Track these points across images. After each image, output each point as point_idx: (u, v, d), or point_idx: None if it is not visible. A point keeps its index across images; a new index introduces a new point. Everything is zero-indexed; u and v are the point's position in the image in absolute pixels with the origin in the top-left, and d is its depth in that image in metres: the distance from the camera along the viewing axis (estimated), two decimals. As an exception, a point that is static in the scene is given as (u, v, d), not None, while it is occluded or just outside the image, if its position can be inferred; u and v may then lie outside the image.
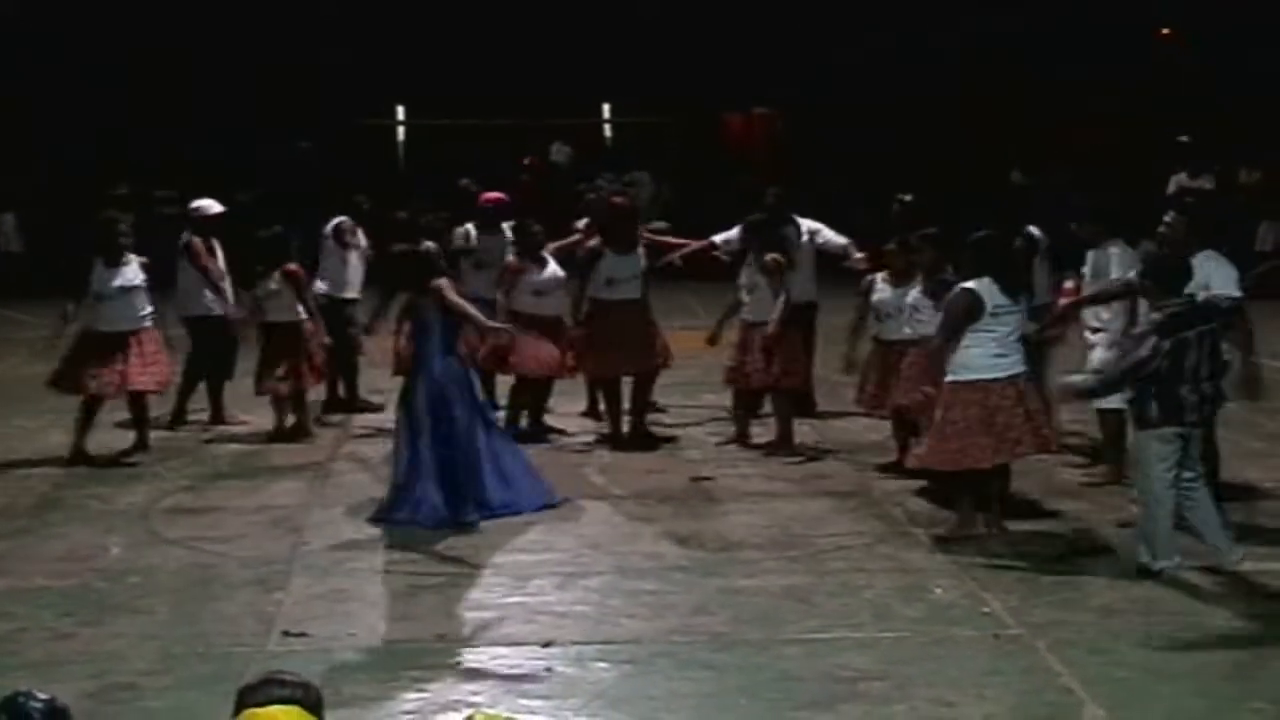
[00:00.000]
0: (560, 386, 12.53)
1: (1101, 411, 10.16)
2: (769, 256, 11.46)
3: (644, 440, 11.84)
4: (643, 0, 29.22)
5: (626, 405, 11.97)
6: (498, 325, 10.38)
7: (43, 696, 3.65)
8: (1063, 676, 6.82)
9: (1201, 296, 8.70)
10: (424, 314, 9.75)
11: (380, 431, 11.89)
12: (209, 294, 12.49)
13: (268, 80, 28.48)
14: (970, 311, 8.83)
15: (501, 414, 11.62)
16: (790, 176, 17.87)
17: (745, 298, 11.58)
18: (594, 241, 12.05)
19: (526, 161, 29.02)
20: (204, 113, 28.22)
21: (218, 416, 12.72)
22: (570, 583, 8.35)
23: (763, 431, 11.84)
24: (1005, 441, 8.84)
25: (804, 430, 11.86)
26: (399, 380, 10.38)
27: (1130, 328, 9.25)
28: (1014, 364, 8.93)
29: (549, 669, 7.01)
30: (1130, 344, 8.43)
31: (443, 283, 9.71)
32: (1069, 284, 10.57)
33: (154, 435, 11.93)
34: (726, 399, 12.28)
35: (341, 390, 13.25)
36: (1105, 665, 6.95)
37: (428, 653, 7.26)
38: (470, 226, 12.82)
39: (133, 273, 11.46)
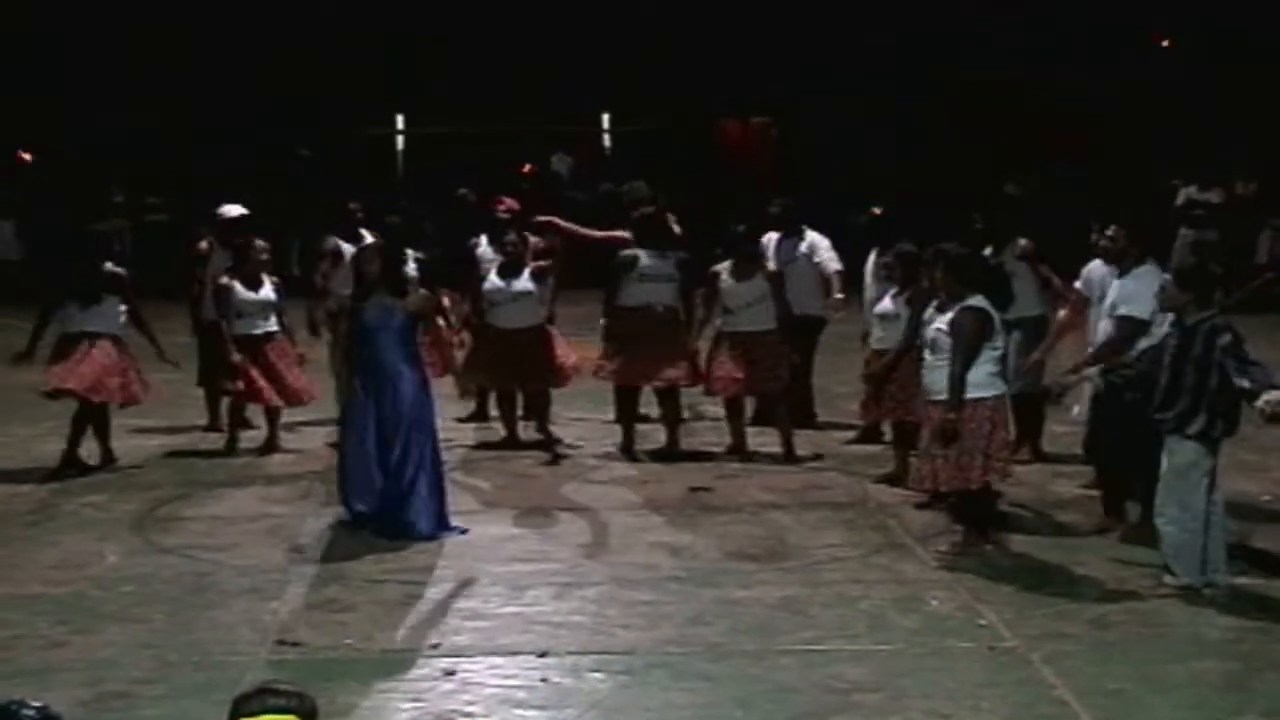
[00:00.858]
0: (560, 395, 12.50)
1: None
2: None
3: (673, 454, 11.77)
4: (641, 9, 29.22)
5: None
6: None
7: (36, 704, 3.64)
8: (1057, 689, 6.82)
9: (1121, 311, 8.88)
10: (385, 316, 9.74)
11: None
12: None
13: (267, 86, 28.50)
14: (984, 331, 8.82)
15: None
16: (788, 184, 17.87)
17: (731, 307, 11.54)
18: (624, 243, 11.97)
19: (526, 170, 29.06)
20: (203, 120, 28.25)
21: (215, 424, 12.69)
22: (566, 593, 8.34)
23: (767, 441, 11.82)
24: (996, 459, 8.86)
25: (800, 441, 11.84)
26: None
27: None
28: (1003, 382, 8.94)
29: (544, 679, 7.00)
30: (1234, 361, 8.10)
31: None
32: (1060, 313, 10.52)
33: (157, 443, 11.90)
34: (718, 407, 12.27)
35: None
36: (1100, 677, 6.94)
37: (423, 663, 7.26)
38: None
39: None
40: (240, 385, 11.86)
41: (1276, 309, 19.93)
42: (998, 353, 8.89)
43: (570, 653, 7.35)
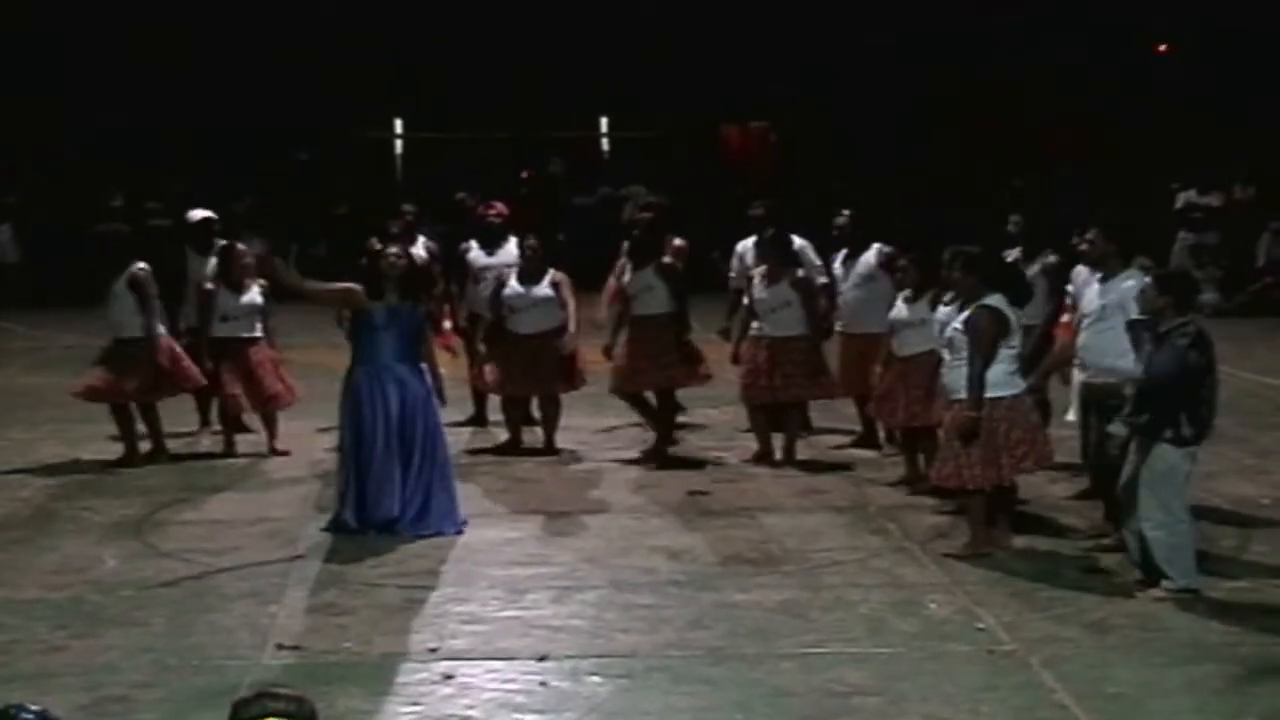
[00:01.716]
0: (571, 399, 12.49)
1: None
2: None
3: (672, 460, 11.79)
4: (640, 13, 29.23)
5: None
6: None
7: (34, 709, 3.64)
8: (1057, 692, 6.81)
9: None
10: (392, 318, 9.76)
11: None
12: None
13: (268, 90, 28.51)
14: (1001, 329, 8.82)
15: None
16: (787, 187, 17.89)
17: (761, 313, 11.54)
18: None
19: (525, 175, 29.09)
20: (202, 122, 28.27)
21: (206, 421, 12.65)
22: (565, 596, 8.34)
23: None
24: (1013, 457, 8.86)
25: (800, 445, 11.83)
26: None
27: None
28: (1021, 380, 8.94)
29: (543, 683, 7.00)
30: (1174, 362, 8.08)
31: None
32: (1065, 318, 10.43)
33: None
34: (721, 413, 12.29)
35: None
36: (1099, 681, 6.94)
37: (422, 666, 7.25)
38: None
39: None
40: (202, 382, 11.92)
41: (1275, 312, 20.00)
42: (1015, 351, 8.89)
43: (569, 656, 7.34)
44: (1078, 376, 9.51)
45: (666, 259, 11.98)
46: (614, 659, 7.31)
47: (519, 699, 6.83)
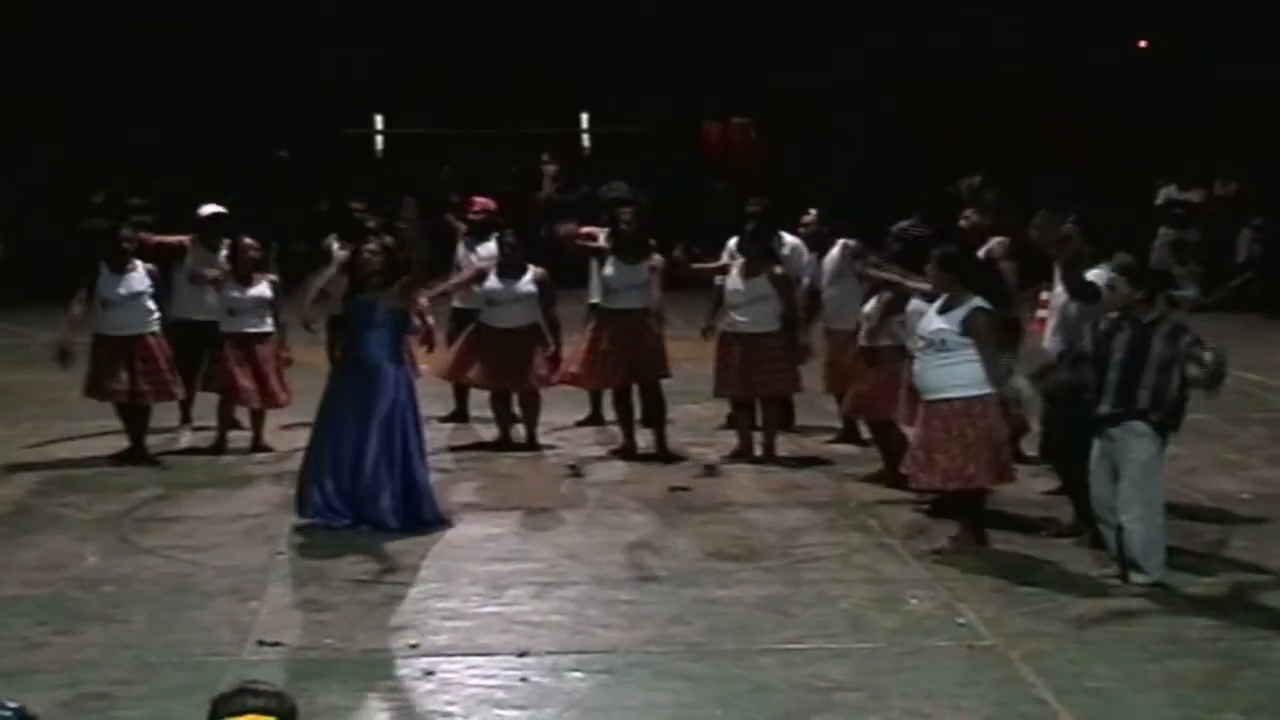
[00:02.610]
0: (550, 394, 12.48)
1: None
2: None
3: (664, 456, 11.79)
4: (623, 10, 29.21)
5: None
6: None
7: (12, 705, 3.63)
8: (1037, 687, 6.84)
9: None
10: (370, 313, 9.75)
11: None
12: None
13: (251, 87, 28.46)
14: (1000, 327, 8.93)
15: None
16: (769, 185, 17.88)
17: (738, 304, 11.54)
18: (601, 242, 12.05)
19: (515, 172, 29.04)
20: (188, 118, 28.21)
21: (187, 417, 12.59)
22: (546, 592, 8.34)
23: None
24: (1001, 457, 8.91)
25: (781, 441, 11.85)
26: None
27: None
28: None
29: (524, 679, 7.00)
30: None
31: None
32: (1041, 310, 10.46)
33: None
34: (703, 409, 12.27)
35: None
36: (1079, 676, 6.96)
37: (402, 663, 7.26)
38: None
39: (138, 280, 11.64)
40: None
41: (1255, 308, 20.05)
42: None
43: (550, 652, 7.35)
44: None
45: (657, 257, 11.98)
46: (595, 655, 7.32)
47: (500, 695, 6.83)
